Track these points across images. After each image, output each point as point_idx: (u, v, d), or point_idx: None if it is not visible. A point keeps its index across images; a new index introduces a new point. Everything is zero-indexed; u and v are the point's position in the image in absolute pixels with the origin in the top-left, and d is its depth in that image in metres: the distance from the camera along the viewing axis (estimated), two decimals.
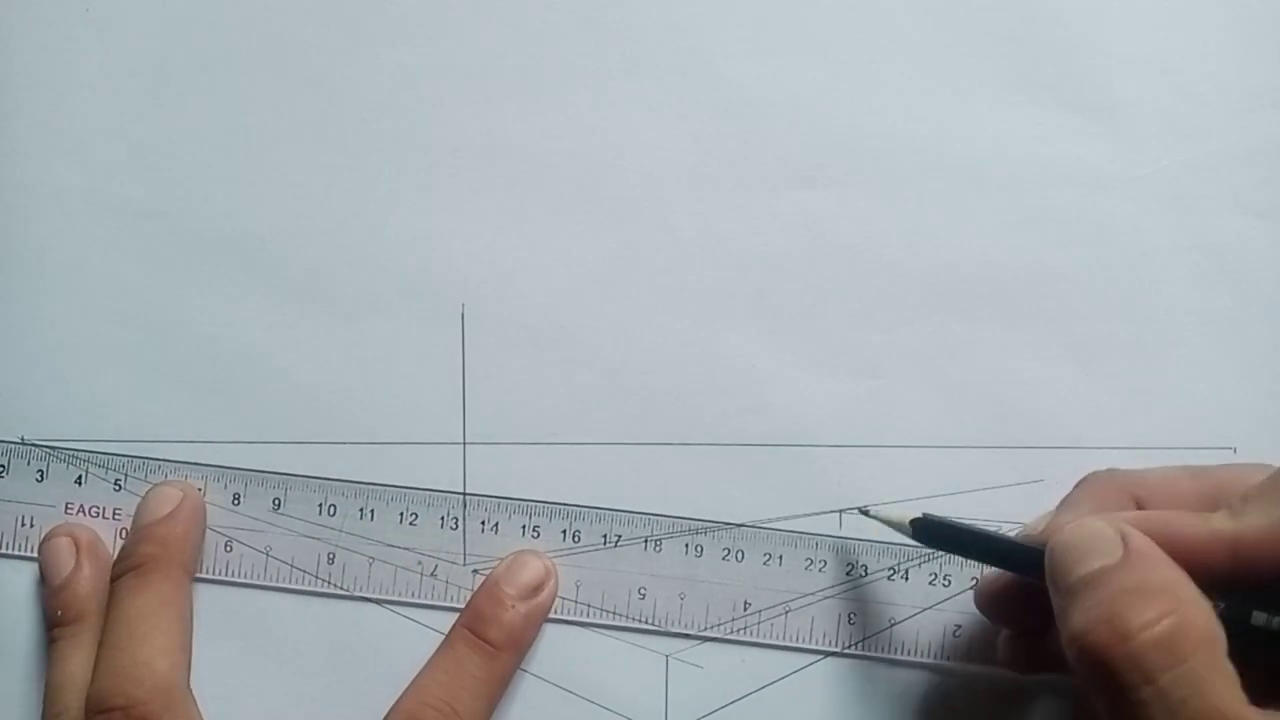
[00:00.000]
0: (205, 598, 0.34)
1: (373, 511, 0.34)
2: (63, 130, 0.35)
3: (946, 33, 0.35)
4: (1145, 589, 0.25)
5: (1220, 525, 0.27)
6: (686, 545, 0.34)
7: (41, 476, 0.34)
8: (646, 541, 0.34)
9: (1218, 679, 0.23)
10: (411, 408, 0.35)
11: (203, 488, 0.34)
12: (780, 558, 0.34)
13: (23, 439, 0.35)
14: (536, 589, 0.33)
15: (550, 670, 0.34)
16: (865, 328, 0.35)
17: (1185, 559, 0.26)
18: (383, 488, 0.34)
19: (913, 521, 0.31)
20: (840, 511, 0.34)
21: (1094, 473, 0.31)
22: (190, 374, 0.35)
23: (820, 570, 0.34)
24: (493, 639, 0.32)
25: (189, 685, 0.32)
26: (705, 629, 0.34)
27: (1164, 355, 0.34)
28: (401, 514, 0.34)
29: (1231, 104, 0.34)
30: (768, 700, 0.34)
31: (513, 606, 0.33)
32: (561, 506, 0.34)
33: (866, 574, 0.34)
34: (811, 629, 0.34)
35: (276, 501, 0.34)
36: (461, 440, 0.34)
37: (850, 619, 0.34)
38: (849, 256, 0.35)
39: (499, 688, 0.33)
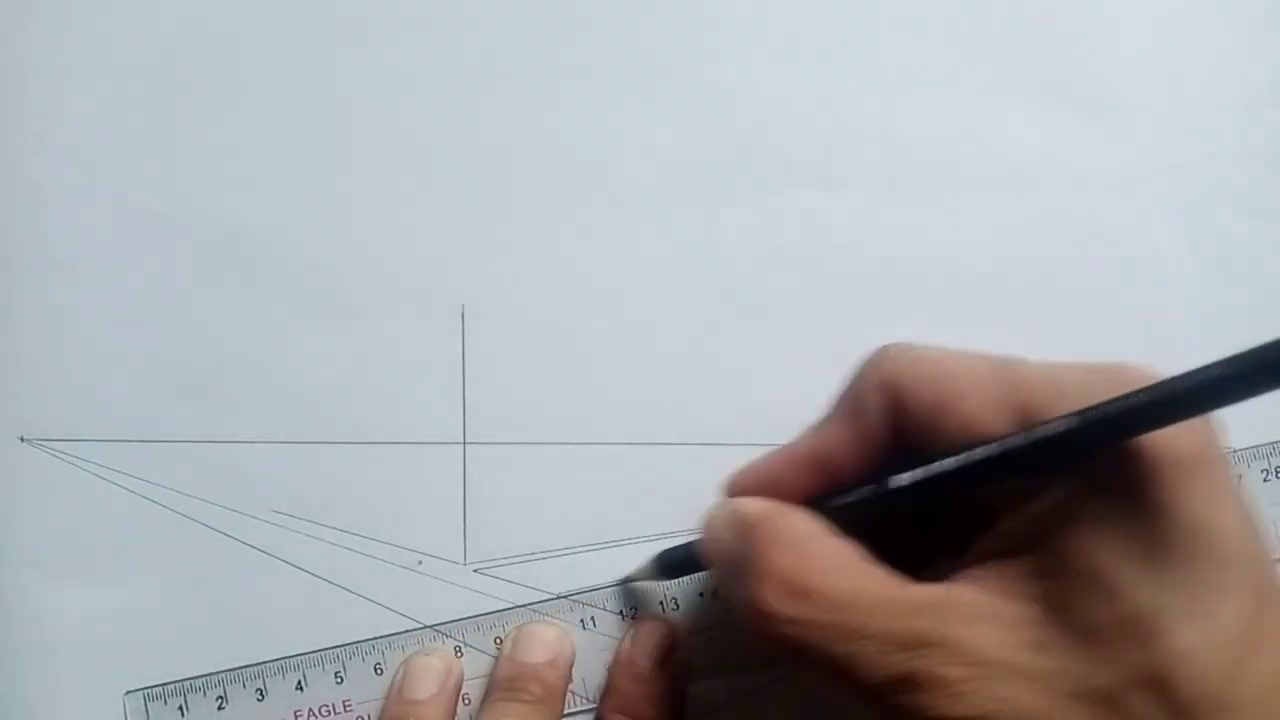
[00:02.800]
0: (209, 595, 0.34)
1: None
2: (63, 130, 0.35)
3: (946, 33, 0.35)
4: (766, 567, 0.25)
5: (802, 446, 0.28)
6: None
7: (261, 696, 0.33)
8: None
9: (866, 587, 0.24)
10: (411, 408, 0.35)
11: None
12: None
13: (21, 438, 0.34)
14: (668, 652, 0.33)
15: None
16: (865, 328, 0.35)
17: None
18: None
19: (657, 558, 0.32)
20: None
21: (879, 354, 0.28)
22: (190, 374, 0.35)
23: None
24: (646, 716, 0.32)
25: None
26: None
27: (1164, 355, 0.34)
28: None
29: (1231, 104, 0.34)
30: (776, 696, 0.34)
31: (653, 677, 0.32)
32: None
33: None
34: None
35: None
36: (461, 440, 0.34)
37: None
38: (849, 256, 0.35)
39: None
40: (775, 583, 0.24)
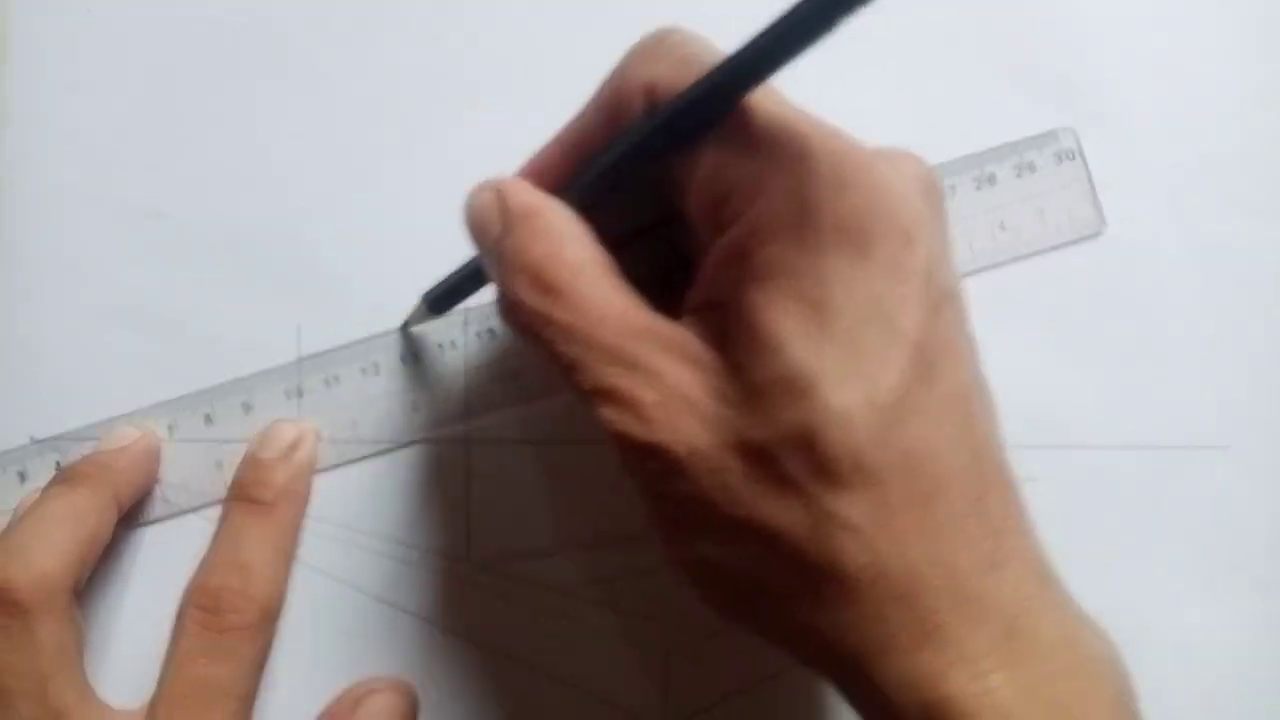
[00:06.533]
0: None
1: None
2: (63, 130, 0.35)
3: (945, 32, 0.34)
4: (522, 258, 0.26)
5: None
6: None
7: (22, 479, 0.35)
8: None
9: (604, 297, 0.25)
10: (411, 407, 0.35)
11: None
12: None
13: (32, 438, 0.35)
14: (294, 448, 0.34)
15: (549, 664, 0.34)
16: None
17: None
18: None
19: (424, 296, 0.32)
20: None
21: (648, 49, 0.28)
22: (190, 375, 0.35)
23: None
24: (263, 497, 0.33)
25: (74, 599, 0.31)
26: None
27: (1163, 354, 0.34)
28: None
29: (1231, 104, 0.34)
30: (768, 695, 0.34)
31: (275, 467, 0.33)
32: None
33: None
34: None
35: None
36: (464, 440, 0.35)
37: None
38: None
39: (283, 537, 0.33)
40: (529, 275, 0.25)
